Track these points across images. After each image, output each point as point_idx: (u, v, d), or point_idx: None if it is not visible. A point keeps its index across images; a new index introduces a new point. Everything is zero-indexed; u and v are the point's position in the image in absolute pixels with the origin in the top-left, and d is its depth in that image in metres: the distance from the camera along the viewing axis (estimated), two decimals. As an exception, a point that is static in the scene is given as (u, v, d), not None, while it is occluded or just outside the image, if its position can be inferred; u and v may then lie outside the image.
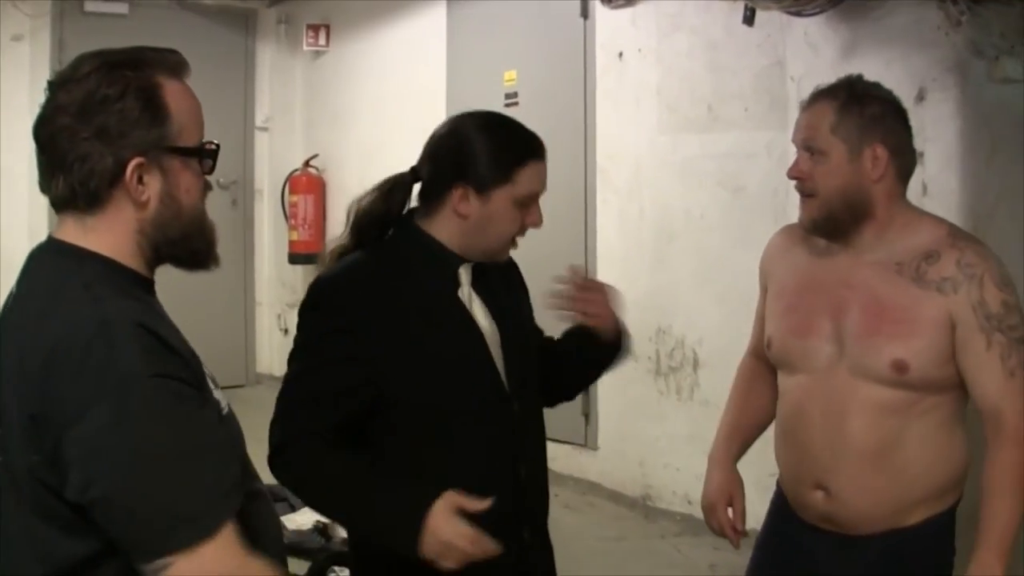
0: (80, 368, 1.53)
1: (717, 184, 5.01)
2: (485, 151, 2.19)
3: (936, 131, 3.97)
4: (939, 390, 2.31)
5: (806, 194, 2.36)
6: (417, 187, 2.28)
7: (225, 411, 1.73)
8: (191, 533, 1.52)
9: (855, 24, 4.26)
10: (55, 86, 1.67)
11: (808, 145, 2.34)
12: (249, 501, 1.71)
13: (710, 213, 5.06)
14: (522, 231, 2.26)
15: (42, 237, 1.77)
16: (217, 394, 1.72)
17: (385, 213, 2.25)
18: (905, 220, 2.37)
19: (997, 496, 2.25)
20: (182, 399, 1.58)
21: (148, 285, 1.74)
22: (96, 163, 1.64)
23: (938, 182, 3.97)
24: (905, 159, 2.37)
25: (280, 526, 1.93)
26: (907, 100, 4.04)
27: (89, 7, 7.60)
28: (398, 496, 2.06)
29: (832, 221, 2.35)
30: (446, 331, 2.22)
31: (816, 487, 2.39)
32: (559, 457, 5.46)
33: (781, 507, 2.57)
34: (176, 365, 1.60)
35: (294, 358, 2.21)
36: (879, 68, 4.18)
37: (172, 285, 1.92)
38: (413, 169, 2.27)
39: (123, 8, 7.70)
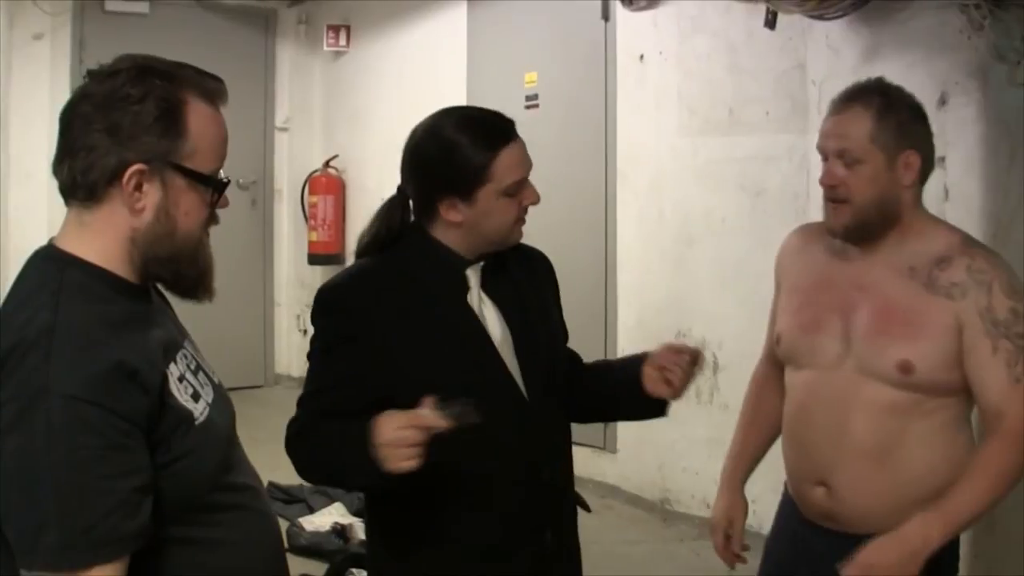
0: (13, 372, 1.53)
1: (738, 187, 5.00)
2: (452, 159, 2.13)
3: (957, 135, 3.95)
4: (945, 393, 2.32)
5: (839, 200, 2.34)
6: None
7: (200, 420, 1.70)
8: (48, 559, 1.51)
9: (877, 27, 4.24)
10: (92, 75, 1.67)
11: (843, 154, 2.31)
12: (231, 512, 1.75)
13: (730, 216, 5.05)
14: (522, 212, 2.20)
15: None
16: (197, 403, 1.70)
17: (385, 231, 2.21)
18: (922, 226, 2.38)
19: (968, 477, 2.24)
20: (90, 429, 1.52)
21: (138, 292, 1.72)
22: (100, 157, 1.63)
23: (959, 187, 3.95)
24: (930, 164, 2.38)
25: (278, 534, 1.92)
26: (929, 104, 4.02)
27: (110, 6, 7.61)
28: (354, 431, 1.99)
29: (865, 228, 2.34)
30: (453, 337, 2.17)
31: (818, 483, 2.40)
32: (578, 460, 5.33)
33: (788, 506, 2.59)
34: (111, 390, 1.55)
35: (309, 369, 2.21)
36: (900, 72, 4.16)
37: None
38: (400, 188, 2.24)
39: (144, 7, 7.72)
